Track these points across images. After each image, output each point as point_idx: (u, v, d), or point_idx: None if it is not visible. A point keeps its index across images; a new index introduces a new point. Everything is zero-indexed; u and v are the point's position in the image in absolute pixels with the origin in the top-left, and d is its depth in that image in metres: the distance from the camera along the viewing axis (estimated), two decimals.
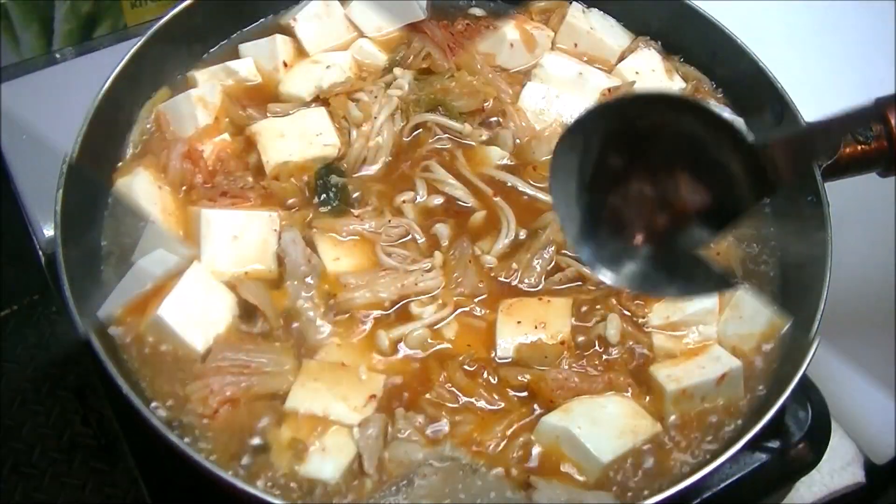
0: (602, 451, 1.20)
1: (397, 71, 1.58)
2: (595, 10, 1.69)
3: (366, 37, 1.65)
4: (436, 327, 1.32)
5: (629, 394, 1.28)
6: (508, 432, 1.24)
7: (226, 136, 1.48)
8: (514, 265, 1.38)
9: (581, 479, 1.21)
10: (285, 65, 1.58)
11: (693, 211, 1.10)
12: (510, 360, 1.30)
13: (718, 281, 1.17)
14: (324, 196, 1.42)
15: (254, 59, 1.58)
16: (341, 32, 1.65)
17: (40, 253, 1.58)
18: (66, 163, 1.31)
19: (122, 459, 1.82)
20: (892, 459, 1.60)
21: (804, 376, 1.22)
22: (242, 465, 1.19)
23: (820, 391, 1.40)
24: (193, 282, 1.28)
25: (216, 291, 1.30)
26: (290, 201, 1.43)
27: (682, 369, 1.28)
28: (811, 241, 1.35)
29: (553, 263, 1.38)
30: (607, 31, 1.67)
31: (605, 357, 1.31)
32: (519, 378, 1.28)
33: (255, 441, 1.20)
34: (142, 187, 1.39)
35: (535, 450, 1.23)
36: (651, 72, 1.61)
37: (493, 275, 1.38)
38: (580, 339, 1.32)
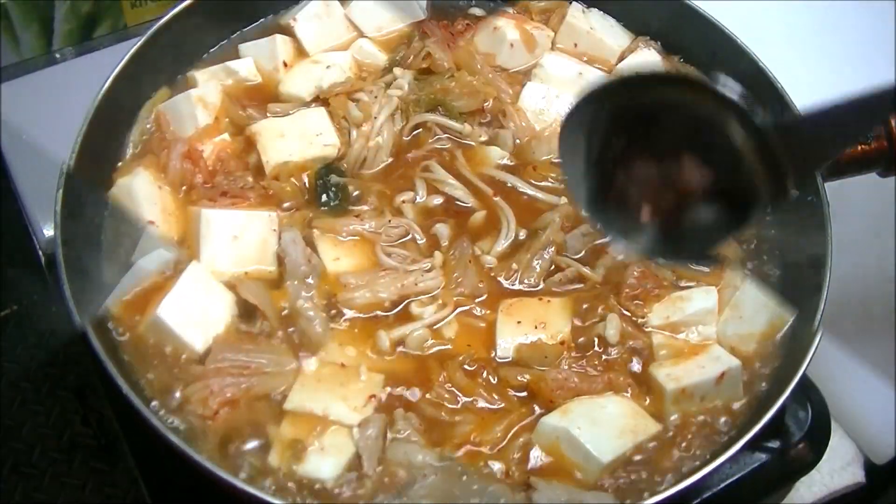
0: (602, 451, 1.20)
1: (397, 71, 1.57)
2: (595, 10, 1.69)
3: (366, 37, 1.65)
4: (436, 327, 1.32)
5: (629, 394, 1.28)
6: (509, 433, 1.24)
7: (226, 136, 1.48)
8: (514, 265, 1.38)
9: (581, 479, 1.21)
10: (285, 65, 1.58)
11: (700, 190, 1.11)
12: (510, 360, 1.30)
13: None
14: (324, 196, 1.42)
15: (254, 59, 1.58)
16: (341, 32, 1.66)
17: (40, 253, 1.58)
18: (66, 163, 1.31)
19: (122, 459, 1.82)
20: (892, 459, 1.60)
21: (804, 376, 1.22)
22: (242, 465, 1.19)
23: (820, 391, 1.40)
24: (193, 282, 1.28)
25: (215, 291, 1.30)
26: (290, 201, 1.43)
27: (682, 369, 1.28)
28: (811, 242, 1.35)
29: (553, 264, 1.38)
30: (607, 31, 1.66)
31: (604, 357, 1.31)
32: (519, 378, 1.28)
33: (255, 441, 1.21)
34: (142, 187, 1.39)
35: (535, 450, 1.23)
36: None
37: (493, 275, 1.38)
38: (580, 339, 1.32)
